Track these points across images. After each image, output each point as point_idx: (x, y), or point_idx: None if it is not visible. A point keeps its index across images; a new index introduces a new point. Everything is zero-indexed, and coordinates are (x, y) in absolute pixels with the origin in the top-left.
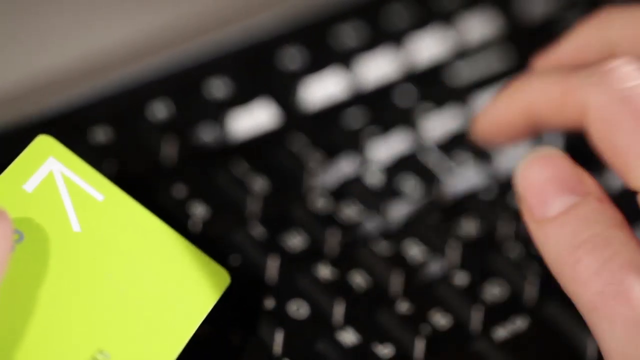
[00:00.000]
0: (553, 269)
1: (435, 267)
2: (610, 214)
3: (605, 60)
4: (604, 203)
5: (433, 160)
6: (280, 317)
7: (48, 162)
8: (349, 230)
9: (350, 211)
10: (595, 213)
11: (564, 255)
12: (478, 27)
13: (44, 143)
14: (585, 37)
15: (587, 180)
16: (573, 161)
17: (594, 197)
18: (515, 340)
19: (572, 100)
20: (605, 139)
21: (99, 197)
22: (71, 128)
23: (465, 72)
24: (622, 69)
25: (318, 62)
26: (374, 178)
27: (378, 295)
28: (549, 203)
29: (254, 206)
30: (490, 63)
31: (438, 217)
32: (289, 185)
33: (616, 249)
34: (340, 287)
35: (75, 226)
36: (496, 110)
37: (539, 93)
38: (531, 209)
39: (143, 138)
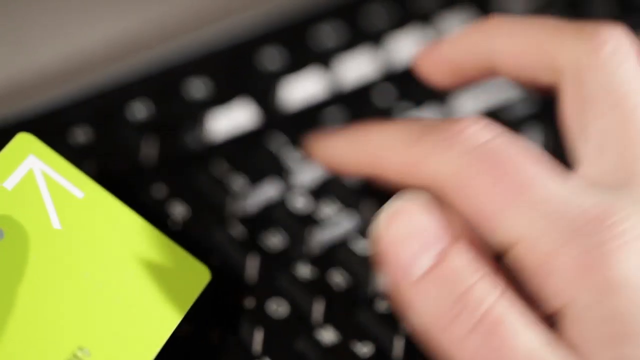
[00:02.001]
0: (424, 331)
1: None
2: (479, 263)
3: (450, 123)
4: (473, 248)
5: None
6: (260, 316)
7: (28, 160)
8: (329, 229)
9: (329, 210)
10: (464, 265)
11: (435, 317)
12: (457, 26)
13: (24, 141)
14: (468, 42)
15: (453, 223)
16: (436, 203)
17: (462, 244)
18: None
19: (422, 171)
20: (463, 205)
21: (79, 194)
22: (52, 128)
23: None
24: (468, 131)
25: (297, 62)
26: (354, 178)
27: (357, 294)
28: (414, 261)
29: (233, 205)
30: None
31: None
32: (268, 184)
33: (488, 304)
34: (319, 286)
35: (56, 223)
36: (340, 150)
37: (387, 156)
38: (395, 270)
39: (123, 138)
